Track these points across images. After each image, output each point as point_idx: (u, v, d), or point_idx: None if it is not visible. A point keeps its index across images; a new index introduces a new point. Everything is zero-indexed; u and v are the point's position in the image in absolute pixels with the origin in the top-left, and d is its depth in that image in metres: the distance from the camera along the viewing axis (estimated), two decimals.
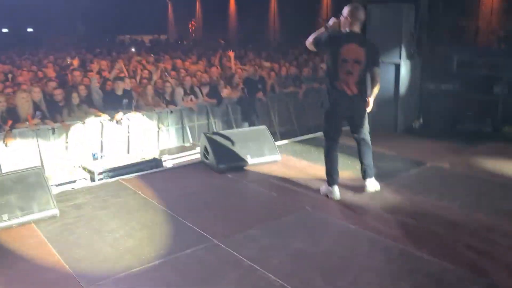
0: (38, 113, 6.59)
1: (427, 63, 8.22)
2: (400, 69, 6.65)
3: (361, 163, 4.48)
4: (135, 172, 5.52)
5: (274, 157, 5.52)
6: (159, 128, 7.87)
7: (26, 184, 3.99)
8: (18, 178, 4.00)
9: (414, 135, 6.81)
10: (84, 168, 6.61)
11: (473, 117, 7.44)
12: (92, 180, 6.24)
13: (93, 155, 6.94)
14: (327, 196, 4.41)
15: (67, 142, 6.85)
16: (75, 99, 7.07)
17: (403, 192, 4.58)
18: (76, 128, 6.98)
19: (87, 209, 4.24)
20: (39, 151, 6.60)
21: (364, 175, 4.47)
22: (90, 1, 26.09)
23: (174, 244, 3.56)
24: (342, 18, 4.23)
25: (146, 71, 8.99)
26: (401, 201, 4.39)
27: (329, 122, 4.37)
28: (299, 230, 3.81)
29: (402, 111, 6.87)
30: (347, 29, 4.20)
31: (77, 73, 7.99)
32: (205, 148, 5.41)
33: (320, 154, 5.01)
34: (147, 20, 28.92)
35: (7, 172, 4.44)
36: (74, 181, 6.22)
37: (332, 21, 4.31)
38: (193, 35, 29.16)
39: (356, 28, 4.19)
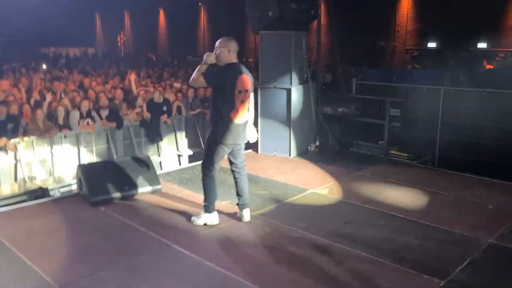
0: None
1: (329, 86, 8.48)
2: (291, 94, 6.74)
3: (242, 192, 4.60)
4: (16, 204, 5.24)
5: (154, 187, 5.38)
6: (52, 155, 7.48)
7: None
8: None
9: (307, 159, 6.90)
10: None
11: (365, 140, 7.73)
12: None
13: None
14: (205, 224, 4.46)
15: None
16: None
17: (272, 223, 4.60)
18: None
19: None
20: None
21: (243, 206, 4.61)
22: (12, 10, 24.83)
23: None
24: (221, 51, 4.29)
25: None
26: (267, 232, 4.40)
27: (215, 150, 4.39)
28: (151, 270, 3.68)
29: (295, 135, 6.96)
30: (233, 61, 4.33)
31: None
32: (80, 180, 5.17)
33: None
34: (74, 32, 27.94)
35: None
36: None
37: (210, 56, 4.29)
38: (122, 48, 28.52)
39: (236, 59, 4.38)
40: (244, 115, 4.39)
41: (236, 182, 4.61)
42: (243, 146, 4.60)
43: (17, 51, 24.61)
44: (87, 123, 7.93)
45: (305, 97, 7.14)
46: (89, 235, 4.33)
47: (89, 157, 7.92)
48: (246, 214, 4.60)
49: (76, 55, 25.38)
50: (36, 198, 6.23)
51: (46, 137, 7.36)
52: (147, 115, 8.44)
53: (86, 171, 5.17)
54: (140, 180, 5.31)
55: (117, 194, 5.10)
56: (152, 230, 4.38)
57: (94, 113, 8.10)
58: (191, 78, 4.40)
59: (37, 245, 4.09)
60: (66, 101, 8.13)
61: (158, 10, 25.65)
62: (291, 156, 6.95)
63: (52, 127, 7.55)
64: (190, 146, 9.32)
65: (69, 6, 24.74)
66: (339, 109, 7.74)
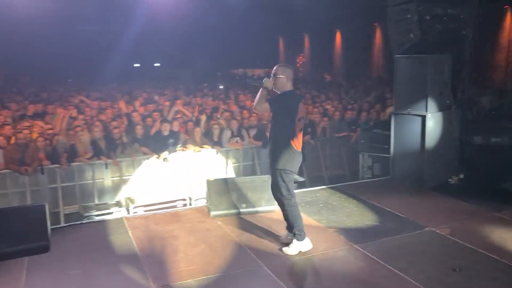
0: (89, 148, 7.64)
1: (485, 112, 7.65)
2: (426, 121, 6.30)
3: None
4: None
5: (270, 207, 5.68)
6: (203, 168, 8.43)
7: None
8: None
9: (442, 192, 6.31)
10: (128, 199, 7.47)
11: None
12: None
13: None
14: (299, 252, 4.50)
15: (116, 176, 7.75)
16: (125, 137, 8.01)
17: (370, 258, 4.42)
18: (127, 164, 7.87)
19: None
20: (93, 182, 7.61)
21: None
22: (209, 36, 28.39)
23: None
24: (280, 78, 4.38)
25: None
26: (360, 266, 4.26)
27: (287, 178, 4.45)
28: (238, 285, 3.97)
29: (431, 165, 6.45)
30: (290, 88, 4.44)
31: (135, 114, 9.04)
32: (207, 193, 5.80)
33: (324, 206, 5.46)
34: (259, 55, 30.40)
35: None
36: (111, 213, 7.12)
37: (268, 81, 4.38)
38: (300, 69, 29.87)
39: (292, 87, 4.49)
40: (301, 143, 4.47)
41: None
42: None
43: (211, 73, 28.05)
44: (236, 141, 8.72)
45: (447, 125, 6.57)
46: (199, 245, 4.83)
47: (236, 172, 8.68)
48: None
49: (259, 75, 27.63)
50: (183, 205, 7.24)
51: (201, 152, 8.35)
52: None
53: (212, 186, 5.77)
54: (258, 199, 5.68)
55: (235, 211, 5.56)
56: (253, 250, 4.65)
57: (244, 132, 8.87)
58: (254, 103, 4.47)
59: (156, 248, 4.77)
60: (221, 120, 9.05)
61: (335, 32, 26.15)
62: (424, 187, 6.45)
63: (207, 143, 8.53)
64: (333, 168, 9.37)
65: (258, 30, 27.10)
66: (492, 139, 6.88)
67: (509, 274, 4.08)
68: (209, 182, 5.87)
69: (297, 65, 30.09)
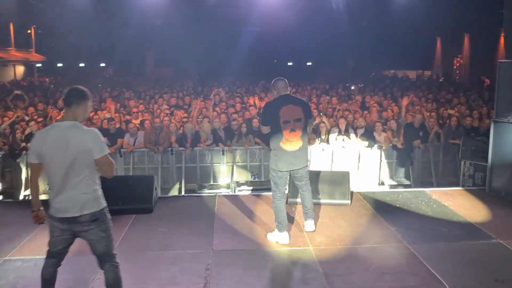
0: (210, 136, 8.86)
1: None
2: None
3: (305, 206, 5.18)
4: None
5: (343, 201, 6.06)
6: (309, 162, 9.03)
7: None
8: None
9: None
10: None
11: None
12: None
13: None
14: (277, 242, 4.95)
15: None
16: (243, 128, 9.05)
17: (415, 257, 4.56)
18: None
19: None
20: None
21: (305, 217, 5.20)
22: (360, 37, 28.37)
23: None
24: (273, 93, 5.12)
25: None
26: (395, 264, 4.44)
27: (275, 176, 4.98)
28: None
29: None
30: (275, 97, 5.04)
31: (252, 108, 10.05)
32: (290, 182, 6.44)
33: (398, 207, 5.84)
34: (413, 56, 29.20)
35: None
36: None
37: None
38: (457, 72, 27.79)
39: (284, 92, 4.95)
40: (297, 143, 4.80)
41: (301, 196, 5.26)
42: (304, 170, 5.02)
43: (359, 74, 27.94)
44: (343, 139, 9.09)
45: None
46: (266, 223, 5.51)
47: (340, 169, 9.05)
48: (308, 225, 5.19)
49: (410, 77, 26.63)
50: None
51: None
52: (395, 140, 8.82)
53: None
54: (332, 193, 6.11)
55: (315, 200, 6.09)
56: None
57: (351, 131, 9.18)
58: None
59: (228, 220, 5.62)
60: (324, 118, 9.49)
61: (499, 32, 23.76)
62: None
63: (314, 138, 9.09)
64: (445, 175, 9.03)
65: (414, 30, 26.10)
66: None
67: None
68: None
69: (454, 67, 28.11)
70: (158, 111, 10.90)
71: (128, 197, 5.97)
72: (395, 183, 8.87)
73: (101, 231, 3.44)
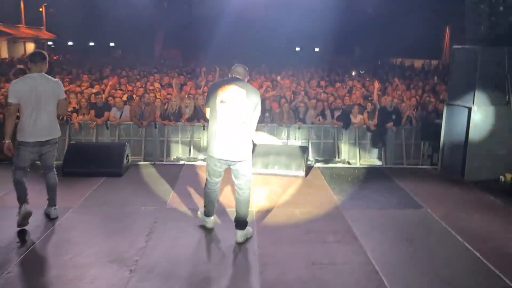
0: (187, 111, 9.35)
1: None
2: (471, 114, 6.26)
3: (236, 212, 4.47)
4: None
5: (298, 173, 6.53)
6: (286, 140, 9.49)
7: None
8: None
9: (479, 187, 6.22)
10: None
11: None
12: None
13: None
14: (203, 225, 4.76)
15: None
16: None
17: (343, 220, 5.03)
18: None
19: None
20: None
21: (235, 225, 4.47)
22: (368, 24, 28.42)
23: None
24: None
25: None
26: (318, 225, 4.92)
27: (208, 162, 4.49)
28: None
29: (474, 159, 6.39)
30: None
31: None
32: (253, 154, 6.92)
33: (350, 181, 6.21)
34: (421, 44, 29.13)
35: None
36: None
37: None
38: None
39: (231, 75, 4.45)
40: (233, 129, 4.19)
41: (235, 199, 4.50)
42: (241, 165, 4.31)
43: (365, 61, 28.08)
44: (318, 119, 9.52)
45: (502, 120, 6.38)
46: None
47: (316, 148, 9.51)
48: (238, 235, 4.43)
49: (415, 66, 26.69)
50: None
51: (283, 126, 9.42)
52: (371, 122, 9.22)
53: (258, 148, 6.88)
54: (288, 164, 6.58)
55: (267, 170, 6.58)
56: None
57: (327, 112, 9.60)
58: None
59: (188, 185, 6.13)
60: (306, 99, 9.92)
61: None
62: (466, 179, 6.44)
63: (292, 118, 9.53)
64: (414, 157, 9.41)
65: (423, 17, 26.06)
66: None
67: (462, 255, 4.29)
68: (257, 146, 6.97)
69: None
70: (151, 87, 11.46)
71: (101, 161, 6.53)
72: (368, 163, 9.29)
73: (55, 150, 4.90)
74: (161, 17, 28.57)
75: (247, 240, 4.48)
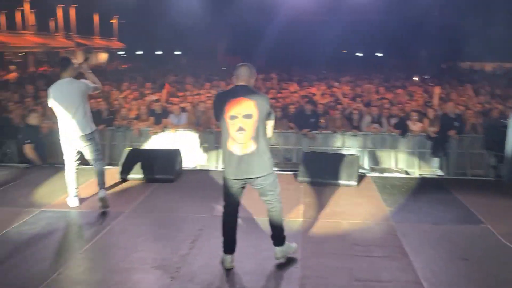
0: None
1: None
2: None
3: (271, 230, 4.15)
4: None
5: (349, 182, 6.34)
6: (342, 148, 9.27)
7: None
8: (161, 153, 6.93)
9: None
10: None
11: None
12: None
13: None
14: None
15: None
16: (278, 113, 9.50)
17: (391, 234, 4.80)
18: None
19: None
20: None
21: (273, 242, 4.14)
22: (433, 27, 27.28)
23: None
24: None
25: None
26: (372, 238, 4.71)
27: (224, 184, 4.09)
28: None
29: None
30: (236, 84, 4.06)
31: (295, 95, 10.44)
32: (301, 162, 6.84)
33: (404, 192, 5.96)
34: (493, 46, 27.48)
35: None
36: None
37: None
38: None
39: (240, 83, 3.97)
40: (248, 145, 3.82)
41: (267, 216, 4.16)
42: (264, 180, 3.93)
43: (430, 65, 26.91)
44: (374, 127, 9.21)
45: None
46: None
47: (372, 157, 9.20)
48: (277, 251, 4.12)
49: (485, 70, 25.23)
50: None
51: (338, 133, 9.21)
52: (431, 129, 8.78)
53: (306, 156, 6.77)
54: (338, 173, 6.41)
55: (319, 180, 6.44)
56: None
57: (383, 119, 9.27)
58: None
59: None
60: (360, 105, 9.63)
61: None
62: None
63: (346, 125, 9.31)
64: (477, 167, 8.83)
65: (494, 19, 24.67)
66: None
67: None
68: (305, 153, 6.86)
69: None
70: (209, 95, 11.69)
71: (154, 167, 6.72)
72: (427, 174, 8.84)
73: (95, 144, 5.45)
74: (224, 24, 29.19)
75: (290, 257, 4.20)
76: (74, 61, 5.49)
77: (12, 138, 8.43)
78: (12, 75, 19.90)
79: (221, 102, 3.89)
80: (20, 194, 6.10)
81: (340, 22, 27.34)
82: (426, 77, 19.32)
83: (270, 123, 3.98)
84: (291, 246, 4.26)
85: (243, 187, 4.06)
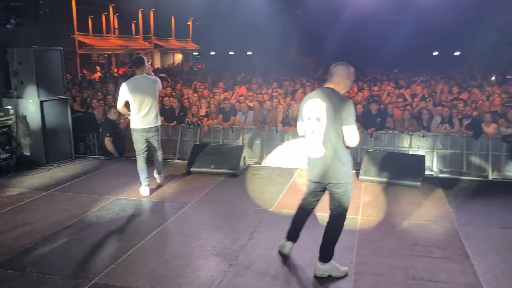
0: None
1: None
2: None
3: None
4: None
5: (413, 183, 6.21)
6: (408, 149, 9.05)
7: (231, 153, 7.09)
8: (227, 149, 7.18)
9: None
10: None
11: None
12: None
13: None
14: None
15: None
16: None
17: (458, 239, 4.67)
18: None
19: None
20: None
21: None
22: None
23: None
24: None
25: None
26: (434, 239, 4.61)
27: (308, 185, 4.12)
28: None
29: None
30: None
31: (360, 94, 10.31)
32: (363, 161, 6.81)
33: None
34: None
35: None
36: None
37: None
38: None
39: (327, 84, 3.90)
40: (320, 149, 3.75)
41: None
42: (332, 189, 3.82)
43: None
44: (445, 127, 8.88)
45: None
46: None
47: (442, 159, 8.88)
48: (316, 267, 3.94)
49: None
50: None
51: (405, 133, 9.00)
52: (505, 131, 8.34)
53: (369, 155, 6.72)
54: (403, 173, 6.30)
55: (383, 179, 6.38)
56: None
57: (455, 120, 8.91)
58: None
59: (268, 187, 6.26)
60: (430, 105, 9.31)
61: None
62: None
63: (415, 125, 9.07)
64: None
65: None
66: None
67: None
68: (367, 152, 6.81)
69: None
70: (275, 94, 11.90)
71: (220, 162, 7.02)
72: (500, 177, 8.39)
73: (159, 135, 6.11)
74: (295, 25, 29.26)
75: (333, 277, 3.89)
76: (146, 61, 5.99)
77: (94, 132, 9.18)
78: (97, 75, 21.48)
79: (303, 103, 3.89)
80: (100, 183, 6.66)
81: (414, 21, 26.35)
82: (509, 76, 18.10)
83: (345, 129, 3.66)
84: (338, 268, 3.93)
85: (321, 191, 3.99)
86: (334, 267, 3.92)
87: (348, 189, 3.82)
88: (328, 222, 3.95)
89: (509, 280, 3.84)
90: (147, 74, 5.97)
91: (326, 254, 3.90)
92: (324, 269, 3.90)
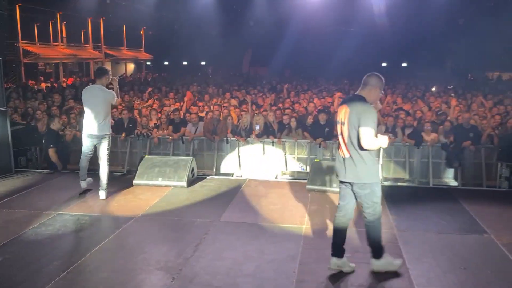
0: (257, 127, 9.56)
1: None
2: None
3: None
4: None
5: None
6: None
7: (179, 165, 7.03)
8: (175, 160, 7.12)
9: None
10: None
11: None
12: None
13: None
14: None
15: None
16: (293, 123, 9.62)
17: (393, 242, 4.85)
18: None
19: None
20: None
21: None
22: (459, 36, 26.85)
23: None
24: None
25: None
26: None
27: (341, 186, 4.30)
28: None
29: None
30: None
31: (311, 104, 10.53)
32: (310, 170, 6.95)
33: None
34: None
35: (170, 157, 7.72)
36: None
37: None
38: None
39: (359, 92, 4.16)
40: (344, 151, 4.05)
41: None
42: (359, 189, 4.05)
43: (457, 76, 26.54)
44: (389, 137, 9.20)
45: None
46: (276, 201, 6.11)
47: (386, 168, 9.19)
48: (373, 263, 4.23)
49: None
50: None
51: None
52: (442, 139, 8.75)
53: (315, 165, 6.87)
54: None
55: (327, 187, 6.53)
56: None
57: (398, 129, 9.26)
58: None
59: (247, 195, 6.30)
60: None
61: None
62: None
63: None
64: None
65: None
66: None
67: None
68: (314, 162, 6.96)
69: None
70: (226, 104, 11.93)
71: (167, 174, 6.96)
72: (440, 184, 8.77)
73: (107, 144, 6.27)
74: (248, 35, 29.54)
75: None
76: (110, 73, 6.29)
77: (37, 145, 8.84)
78: (43, 85, 20.72)
79: (338, 108, 4.28)
80: (41, 197, 6.42)
81: (363, 33, 27.27)
82: (449, 87, 19.08)
83: (360, 131, 3.86)
84: (392, 262, 4.22)
85: (350, 194, 4.16)
86: (388, 261, 4.20)
87: (374, 190, 4.05)
88: (365, 225, 4.21)
89: (441, 282, 4.03)
90: (109, 85, 6.33)
91: (376, 251, 4.18)
92: (379, 264, 4.18)
